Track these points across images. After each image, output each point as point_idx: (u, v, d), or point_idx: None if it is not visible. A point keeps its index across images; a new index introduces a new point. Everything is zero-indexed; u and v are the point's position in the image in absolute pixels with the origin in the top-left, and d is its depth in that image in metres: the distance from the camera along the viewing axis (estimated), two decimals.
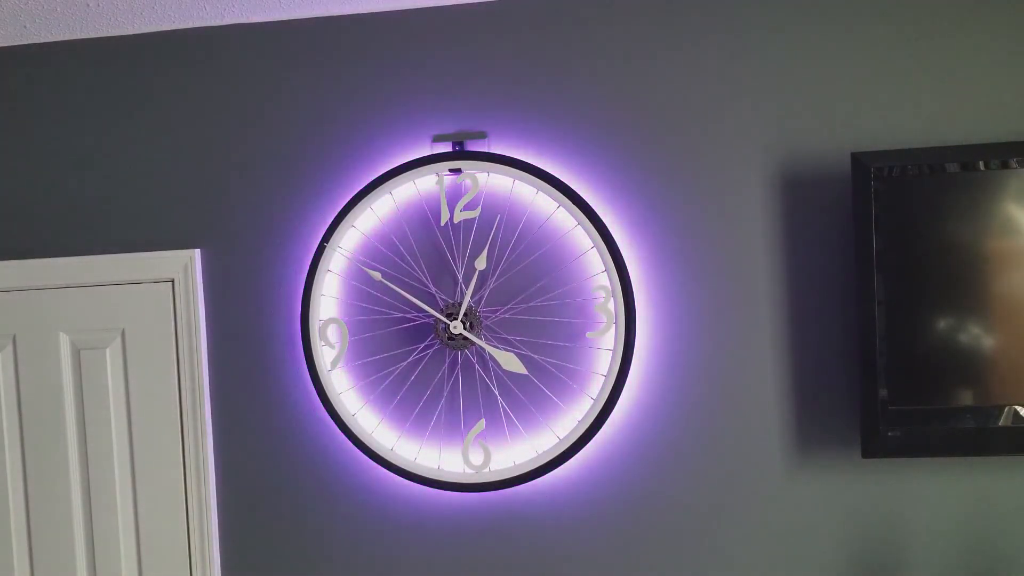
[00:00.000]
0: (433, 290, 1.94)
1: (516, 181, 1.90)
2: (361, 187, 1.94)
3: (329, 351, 1.96)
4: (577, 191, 1.88)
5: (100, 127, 2.05)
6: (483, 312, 1.93)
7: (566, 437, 1.88)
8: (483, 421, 1.93)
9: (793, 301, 1.86)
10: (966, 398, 1.71)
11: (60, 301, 2.06)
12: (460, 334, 1.90)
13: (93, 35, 2.04)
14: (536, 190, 1.89)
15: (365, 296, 1.97)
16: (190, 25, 2.01)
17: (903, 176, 1.69)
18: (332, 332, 1.96)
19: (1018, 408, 1.69)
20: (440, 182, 1.92)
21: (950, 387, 1.71)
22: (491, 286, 1.93)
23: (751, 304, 1.87)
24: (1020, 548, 1.81)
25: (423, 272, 1.95)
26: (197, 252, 2.02)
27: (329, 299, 1.97)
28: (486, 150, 1.92)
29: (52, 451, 2.07)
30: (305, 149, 1.99)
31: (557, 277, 1.92)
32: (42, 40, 2.05)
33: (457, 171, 1.91)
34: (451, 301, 1.93)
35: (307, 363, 1.96)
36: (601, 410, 1.86)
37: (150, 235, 2.04)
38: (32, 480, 2.08)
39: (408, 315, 1.95)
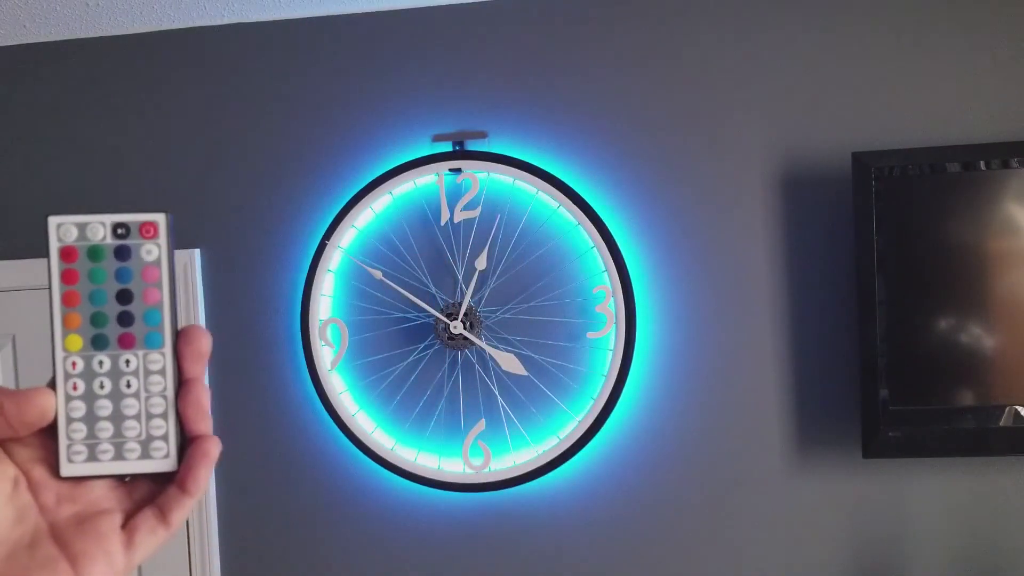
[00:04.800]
0: (433, 290, 1.94)
1: (516, 181, 1.90)
2: (361, 186, 1.94)
3: (329, 351, 1.95)
4: (577, 191, 1.88)
5: (99, 126, 2.05)
6: (483, 312, 1.92)
7: (566, 437, 1.88)
8: (483, 421, 1.92)
9: (793, 301, 1.86)
10: (967, 398, 1.70)
11: None
12: (460, 334, 1.89)
13: (93, 34, 2.03)
14: (536, 190, 1.89)
15: (365, 296, 1.97)
16: (190, 24, 2.01)
17: (904, 176, 1.69)
18: (332, 332, 1.96)
19: (1019, 408, 1.68)
20: (440, 181, 1.92)
21: (951, 387, 1.71)
22: (491, 286, 1.93)
23: (752, 304, 1.87)
24: (1021, 549, 1.80)
25: (423, 272, 1.95)
26: (196, 252, 2.02)
27: (329, 299, 1.97)
28: (486, 150, 1.92)
29: None
30: (305, 148, 1.99)
31: (557, 277, 1.91)
32: (41, 39, 2.05)
33: (457, 170, 1.91)
34: (451, 301, 1.93)
35: (307, 363, 1.95)
36: (601, 410, 1.86)
37: None
38: None
39: (408, 315, 1.95)
